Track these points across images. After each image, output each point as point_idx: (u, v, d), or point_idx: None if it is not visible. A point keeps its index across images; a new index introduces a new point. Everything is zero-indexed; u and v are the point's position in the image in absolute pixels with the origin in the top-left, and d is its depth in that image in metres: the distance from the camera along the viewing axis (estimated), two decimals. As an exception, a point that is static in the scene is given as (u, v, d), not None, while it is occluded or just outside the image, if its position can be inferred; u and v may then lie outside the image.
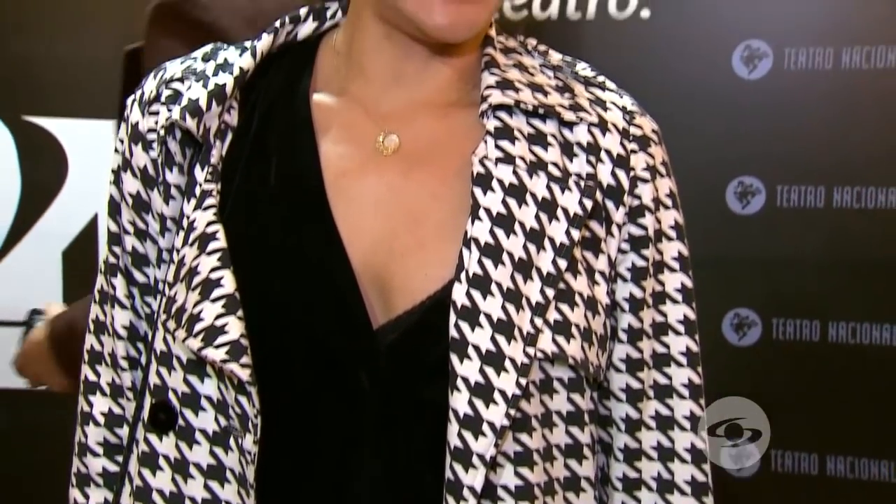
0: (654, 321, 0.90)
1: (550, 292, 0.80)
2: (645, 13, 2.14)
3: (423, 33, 0.82)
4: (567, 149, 0.87)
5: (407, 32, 0.85)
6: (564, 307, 0.80)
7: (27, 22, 2.07)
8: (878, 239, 2.11)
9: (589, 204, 0.84)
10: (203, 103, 0.84)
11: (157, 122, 0.87)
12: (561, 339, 0.79)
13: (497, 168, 0.83)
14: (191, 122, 0.83)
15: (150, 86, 0.90)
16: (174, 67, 0.91)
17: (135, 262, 0.91)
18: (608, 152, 0.87)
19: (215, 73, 0.87)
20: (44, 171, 2.12)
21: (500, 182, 0.82)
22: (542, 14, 2.17)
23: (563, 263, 0.81)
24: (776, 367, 2.14)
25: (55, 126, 2.15)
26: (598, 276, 0.86)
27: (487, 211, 0.81)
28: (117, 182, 0.91)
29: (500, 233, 0.80)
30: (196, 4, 1.28)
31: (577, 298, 0.82)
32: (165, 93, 0.89)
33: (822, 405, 2.12)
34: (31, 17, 2.05)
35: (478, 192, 0.81)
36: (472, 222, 0.80)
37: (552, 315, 0.79)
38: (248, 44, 0.91)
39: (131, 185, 0.89)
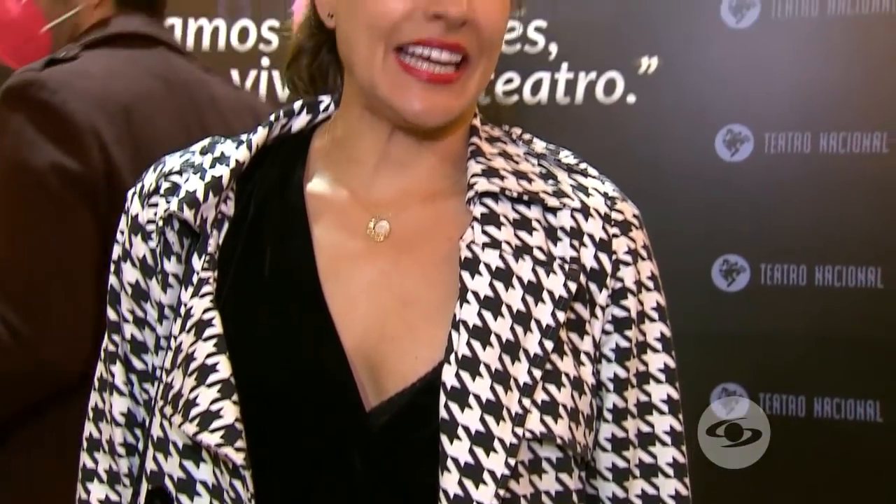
0: (639, 401, 0.90)
1: (538, 373, 0.80)
2: (631, 98, 2.20)
3: (401, 119, 0.85)
4: (551, 233, 0.88)
5: (388, 119, 0.87)
6: (552, 388, 0.80)
7: None
8: (858, 316, 2.12)
9: (573, 286, 0.85)
10: (200, 195, 0.85)
11: (155, 214, 0.89)
12: (549, 420, 0.79)
13: (484, 252, 0.84)
14: (188, 213, 0.85)
15: (149, 179, 0.92)
16: (173, 161, 0.92)
17: (133, 350, 0.91)
18: (591, 236, 0.88)
19: (212, 166, 0.89)
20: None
21: (487, 266, 0.83)
22: (532, 99, 2.22)
23: (549, 345, 0.81)
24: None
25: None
26: (583, 357, 0.86)
27: (475, 294, 0.82)
28: (117, 272, 0.92)
29: (487, 315, 0.81)
30: (43, 87, 1.30)
31: (564, 379, 0.82)
32: (164, 185, 0.90)
33: (809, 480, 2.13)
34: None
35: (466, 275, 0.83)
36: (461, 305, 0.81)
37: (540, 395, 0.79)
38: (244, 137, 0.93)
39: (130, 274, 0.90)
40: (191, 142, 1.51)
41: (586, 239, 0.88)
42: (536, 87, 2.24)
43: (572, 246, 0.87)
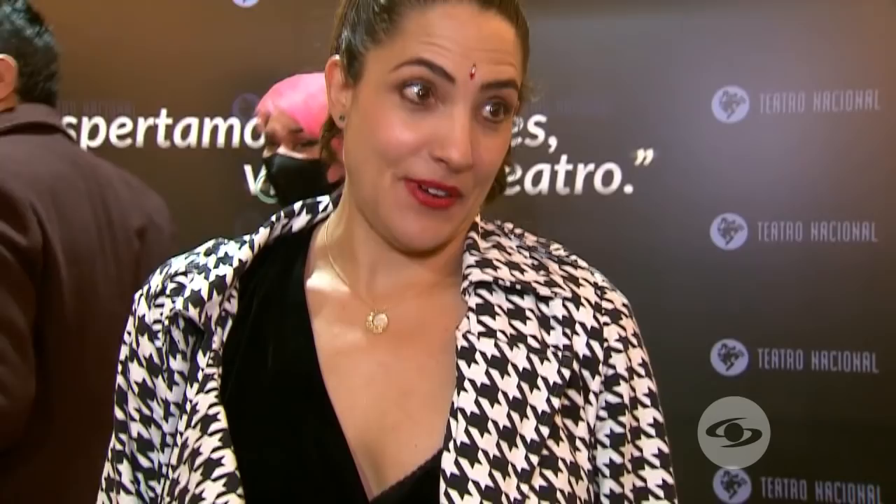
0: (635, 486, 0.90)
1: (535, 459, 0.80)
2: (628, 188, 2.23)
3: (394, 239, 0.87)
4: (544, 322, 0.89)
5: (381, 235, 0.89)
6: (549, 473, 0.81)
7: None
8: (855, 399, 2.13)
9: (567, 373, 0.85)
10: (204, 293, 0.87)
11: (161, 314, 0.89)
12: None
13: (479, 341, 0.85)
14: (193, 312, 0.86)
15: (155, 280, 0.93)
16: (178, 263, 0.94)
17: (140, 448, 0.91)
18: (582, 325, 0.89)
19: (216, 266, 0.90)
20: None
21: (483, 354, 0.84)
22: (533, 189, 2.26)
23: (545, 430, 0.82)
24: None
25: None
26: (578, 443, 0.86)
27: (472, 382, 0.82)
28: (124, 372, 0.93)
29: (484, 402, 0.81)
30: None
31: (561, 464, 0.82)
32: (170, 286, 0.91)
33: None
34: None
35: (462, 364, 0.83)
36: (458, 393, 0.82)
37: (537, 481, 0.80)
38: (246, 237, 0.94)
39: (137, 373, 0.91)
40: (97, 218, 1.56)
41: (578, 327, 0.89)
42: (537, 179, 2.27)
43: (564, 334, 0.88)
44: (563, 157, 2.28)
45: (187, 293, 0.87)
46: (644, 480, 0.90)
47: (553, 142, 2.27)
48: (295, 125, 1.77)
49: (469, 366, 0.83)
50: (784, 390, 2.16)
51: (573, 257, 0.96)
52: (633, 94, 2.26)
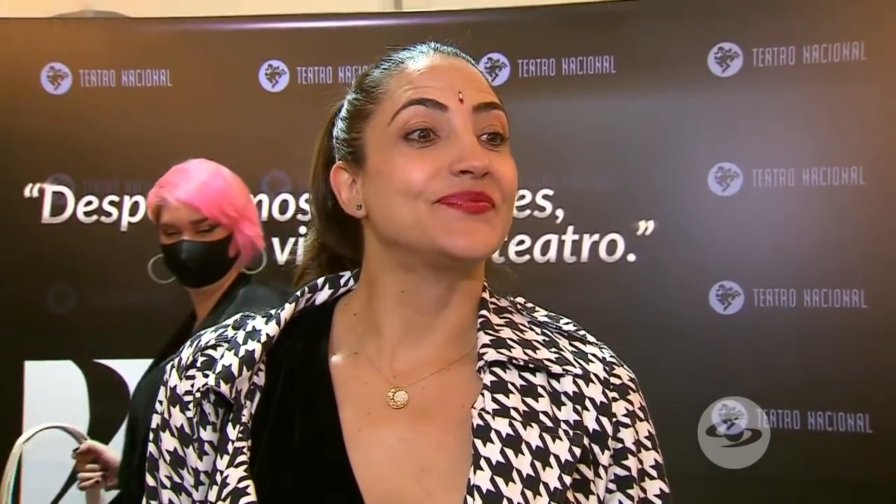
0: None
1: None
2: (631, 257, 2.25)
3: (450, 258, 0.86)
4: (555, 398, 0.89)
5: (424, 265, 0.89)
6: None
7: (101, 279, 2.28)
8: (848, 459, 2.13)
9: (578, 451, 0.86)
10: (235, 369, 0.88)
11: (193, 385, 0.91)
12: None
13: (495, 420, 0.85)
14: (224, 388, 0.87)
15: (186, 353, 0.94)
16: (208, 336, 0.95)
17: None
18: (592, 400, 0.90)
19: (245, 342, 0.91)
20: (109, 406, 2.24)
21: (498, 433, 0.84)
22: (541, 258, 2.28)
23: None
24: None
25: (120, 366, 2.27)
26: None
27: (487, 460, 0.83)
28: (156, 440, 0.94)
29: (499, 481, 0.82)
30: None
31: None
32: (200, 359, 0.92)
33: None
34: (103, 275, 2.26)
35: (478, 443, 0.83)
36: (475, 471, 0.82)
37: None
38: (272, 312, 0.95)
39: (169, 443, 0.92)
40: None
41: (588, 403, 0.90)
42: (545, 248, 2.30)
43: (575, 410, 0.88)
44: (570, 228, 2.30)
45: (219, 368, 0.89)
46: None
47: (560, 213, 2.30)
48: (198, 215, 1.86)
49: (485, 444, 0.84)
50: (782, 451, 2.16)
51: (582, 332, 0.98)
52: (635, 169, 2.30)
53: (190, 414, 0.91)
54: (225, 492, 0.84)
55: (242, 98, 2.38)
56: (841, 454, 2.14)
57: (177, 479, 0.92)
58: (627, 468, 0.90)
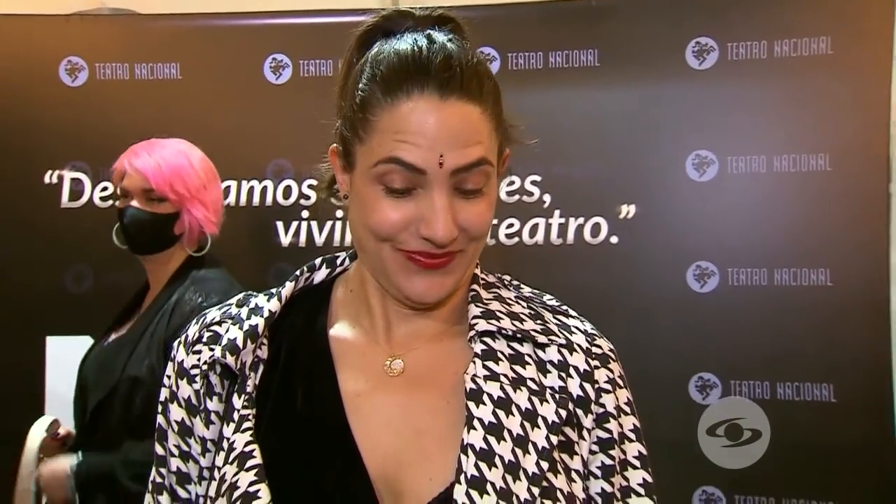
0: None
1: (536, 490, 0.83)
2: (614, 239, 2.31)
3: (405, 299, 0.89)
4: (541, 366, 0.91)
5: (392, 295, 0.92)
6: (548, 503, 0.84)
7: (116, 260, 2.23)
8: (814, 426, 2.19)
9: (563, 413, 0.88)
10: (240, 342, 0.90)
11: (199, 359, 0.93)
12: None
13: (486, 384, 0.87)
14: (230, 359, 0.90)
15: (193, 329, 0.96)
16: (213, 313, 0.97)
17: (179, 481, 0.94)
18: (576, 368, 0.92)
19: (248, 317, 0.93)
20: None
21: (490, 396, 0.87)
22: (530, 240, 2.33)
23: (545, 465, 0.84)
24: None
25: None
26: (574, 475, 0.89)
27: (480, 420, 0.85)
28: (165, 412, 0.95)
29: (492, 439, 0.84)
30: None
31: (559, 494, 0.85)
32: (206, 335, 0.94)
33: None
34: (117, 256, 2.28)
35: (471, 405, 0.86)
36: (468, 431, 0.84)
37: None
38: (274, 290, 0.97)
39: (177, 413, 0.94)
40: None
41: (572, 370, 0.92)
42: (533, 231, 2.34)
43: (560, 377, 0.91)
44: (557, 212, 2.34)
45: (224, 342, 0.91)
46: None
47: (547, 198, 2.34)
48: (146, 184, 1.85)
49: (477, 406, 0.86)
50: (752, 412, 2.21)
51: (564, 307, 1.00)
52: (617, 156, 2.33)
53: (197, 386, 0.92)
54: (232, 455, 0.86)
55: (248, 90, 2.40)
56: (807, 421, 2.19)
57: (184, 448, 0.94)
58: (609, 431, 0.93)
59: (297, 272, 0.99)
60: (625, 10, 2.35)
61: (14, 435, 1.93)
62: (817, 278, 2.22)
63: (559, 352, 0.93)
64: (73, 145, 2.39)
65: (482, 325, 0.92)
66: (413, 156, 0.83)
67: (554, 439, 0.87)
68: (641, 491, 0.95)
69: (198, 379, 0.92)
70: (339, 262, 1.02)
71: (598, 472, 0.92)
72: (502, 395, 0.87)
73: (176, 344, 0.97)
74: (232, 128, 2.38)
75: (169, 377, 0.96)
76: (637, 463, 0.95)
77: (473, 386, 0.87)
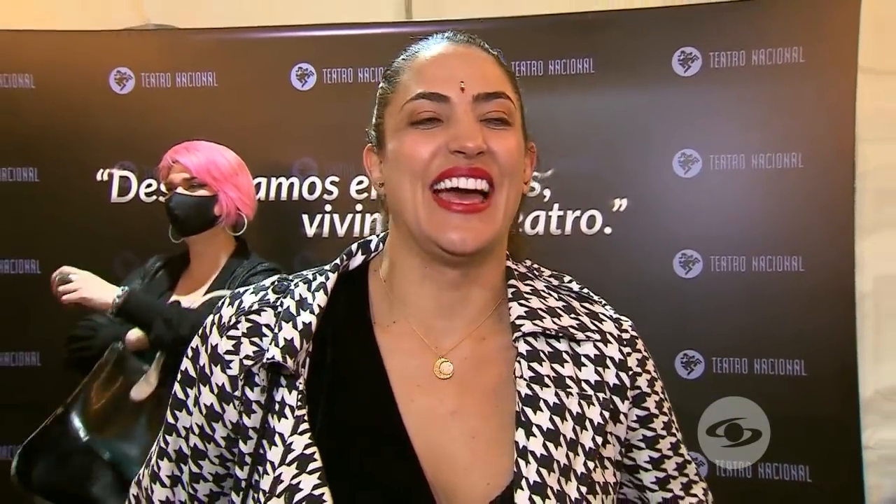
0: (677, 464, 0.97)
1: (584, 489, 0.83)
2: (608, 230, 2.37)
3: (441, 248, 0.85)
4: (577, 360, 0.89)
5: (430, 253, 0.87)
6: (590, 497, 0.84)
7: (158, 249, 2.26)
8: (788, 398, 2.24)
9: (607, 415, 0.87)
10: (297, 343, 0.85)
11: (236, 348, 0.87)
12: None
13: (542, 390, 0.85)
14: (290, 362, 0.84)
15: (227, 313, 0.90)
16: (249, 298, 0.90)
17: (194, 456, 0.92)
18: (612, 359, 0.91)
19: (298, 312, 0.87)
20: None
21: (546, 402, 0.85)
22: (531, 231, 2.38)
23: (591, 464, 0.85)
24: None
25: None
26: (607, 462, 0.88)
27: (539, 427, 0.83)
28: (186, 387, 0.91)
29: (550, 446, 0.82)
30: None
31: (598, 488, 0.85)
32: (244, 324, 0.88)
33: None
34: (160, 245, 2.26)
35: (529, 411, 0.84)
36: (528, 437, 0.82)
37: None
38: (311, 276, 0.91)
39: (207, 397, 0.89)
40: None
41: (608, 362, 0.91)
42: (535, 223, 2.39)
43: (596, 371, 0.89)
44: (556, 206, 2.40)
45: (281, 342, 0.85)
46: (682, 456, 0.98)
47: (547, 193, 2.39)
48: (188, 174, 2.02)
49: (535, 413, 0.84)
50: (733, 389, 2.28)
51: (586, 291, 0.98)
52: (611, 155, 2.38)
53: (232, 372, 0.87)
54: (290, 457, 0.81)
55: (277, 95, 2.46)
56: (781, 393, 2.26)
57: (208, 431, 0.90)
58: (647, 408, 0.94)
59: (338, 260, 0.95)
60: (618, 23, 2.41)
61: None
62: (790, 265, 2.28)
63: (595, 346, 0.91)
64: (122, 147, 2.47)
65: (528, 326, 0.89)
66: (436, 85, 0.85)
67: (599, 440, 0.87)
68: (683, 451, 0.98)
69: (233, 366, 0.87)
70: (372, 245, 0.97)
71: (642, 444, 0.94)
72: (558, 402, 0.85)
73: (209, 324, 0.91)
74: (262, 129, 2.46)
75: (197, 356, 0.91)
76: (675, 418, 0.98)
77: (529, 392, 0.85)
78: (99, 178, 2.53)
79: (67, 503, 1.84)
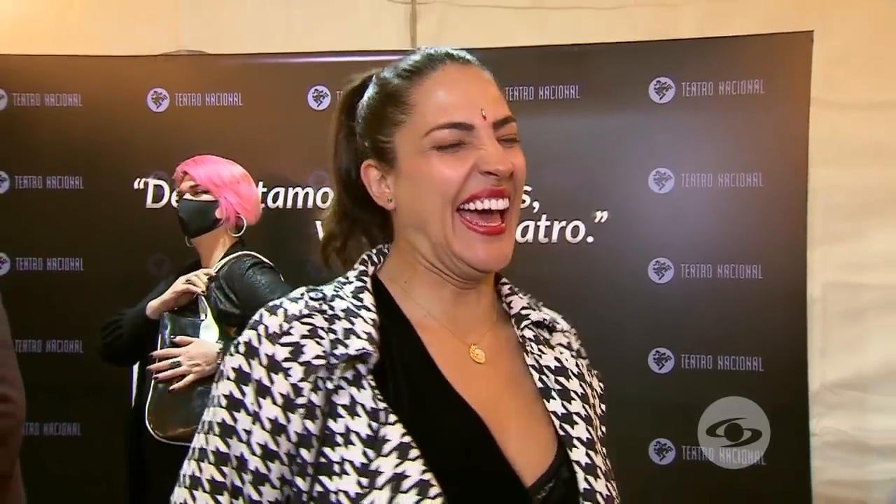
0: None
1: (599, 459, 0.90)
2: (590, 239, 2.47)
3: (469, 266, 0.86)
4: (550, 347, 0.95)
5: (453, 271, 0.88)
6: (598, 459, 0.90)
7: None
8: (749, 388, 2.34)
9: (589, 391, 0.95)
10: (376, 336, 0.84)
11: (293, 352, 0.81)
12: (612, 483, 0.91)
13: (549, 377, 0.91)
14: (376, 353, 0.83)
15: (273, 322, 0.83)
16: (293, 306, 0.85)
17: (254, 481, 0.81)
18: (570, 348, 0.97)
19: (358, 310, 0.85)
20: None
21: (558, 382, 0.92)
22: (521, 239, 2.45)
23: (594, 433, 0.91)
24: None
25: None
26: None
27: (578, 414, 0.90)
28: (242, 407, 0.81)
29: (590, 429, 0.90)
30: None
31: (603, 451, 0.93)
32: (301, 328, 0.83)
33: None
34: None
35: (549, 385, 0.90)
36: (572, 426, 0.88)
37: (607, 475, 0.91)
38: (347, 285, 0.89)
39: (270, 411, 0.80)
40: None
41: (573, 351, 0.97)
42: (524, 232, 2.48)
43: (563, 355, 0.95)
44: (544, 216, 2.48)
45: (363, 335, 0.83)
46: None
47: (536, 205, 2.47)
48: (193, 181, 2.14)
49: (571, 403, 0.90)
50: (699, 382, 2.40)
51: (533, 298, 1.01)
52: (594, 172, 2.47)
53: (293, 379, 0.81)
54: (387, 448, 0.79)
55: (295, 114, 2.54)
56: (740, 386, 2.37)
57: (272, 447, 0.81)
58: (596, 407, 1.00)
59: (362, 266, 0.92)
60: (601, 55, 2.51)
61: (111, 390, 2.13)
62: (751, 272, 2.38)
63: (563, 334, 0.98)
64: (157, 158, 2.55)
65: (534, 315, 0.95)
66: (461, 115, 0.85)
67: (591, 412, 0.93)
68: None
69: (293, 372, 0.81)
70: (374, 258, 0.95)
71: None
72: (565, 385, 0.92)
73: (253, 339, 0.83)
74: (281, 144, 2.54)
75: (245, 376, 0.82)
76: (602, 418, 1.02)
77: (543, 375, 0.91)
78: (136, 186, 2.63)
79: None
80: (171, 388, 1.96)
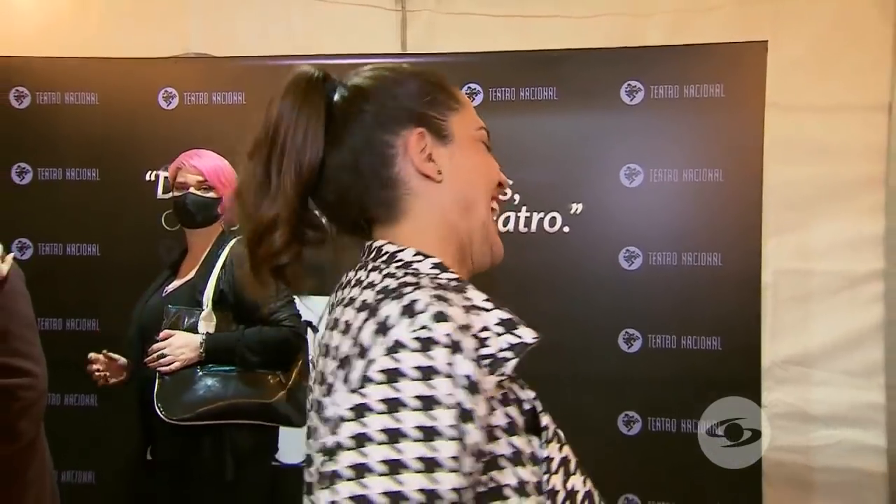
0: None
1: None
2: (566, 229, 2.55)
3: (493, 256, 0.89)
4: None
5: (467, 253, 0.88)
6: None
7: None
8: (708, 367, 2.44)
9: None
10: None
11: (492, 368, 0.74)
12: None
13: None
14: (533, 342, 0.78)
15: (468, 341, 0.73)
16: (461, 317, 0.73)
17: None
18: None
19: (490, 305, 0.78)
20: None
21: None
22: (503, 229, 2.47)
23: None
24: None
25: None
26: None
27: None
28: (437, 437, 0.68)
29: None
30: None
31: None
32: (488, 336, 0.75)
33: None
34: None
35: None
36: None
37: None
38: (464, 293, 0.77)
39: (474, 436, 0.71)
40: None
41: None
42: (506, 222, 2.54)
43: None
44: (524, 208, 2.55)
45: (523, 324, 0.78)
46: None
47: (517, 197, 2.55)
48: (201, 177, 2.14)
49: None
50: (665, 361, 2.50)
51: None
52: (570, 166, 2.54)
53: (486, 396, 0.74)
54: (547, 434, 0.80)
55: None
56: (701, 364, 2.48)
57: (466, 469, 0.71)
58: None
59: (435, 260, 0.84)
60: (577, 59, 2.60)
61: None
62: (712, 260, 2.47)
63: None
64: (167, 152, 2.46)
65: None
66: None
67: None
68: None
69: (482, 391, 0.73)
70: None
71: None
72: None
73: (460, 360, 0.71)
74: None
75: (451, 394, 0.70)
76: None
77: None
78: (148, 178, 2.69)
79: None
80: (163, 371, 2.09)
